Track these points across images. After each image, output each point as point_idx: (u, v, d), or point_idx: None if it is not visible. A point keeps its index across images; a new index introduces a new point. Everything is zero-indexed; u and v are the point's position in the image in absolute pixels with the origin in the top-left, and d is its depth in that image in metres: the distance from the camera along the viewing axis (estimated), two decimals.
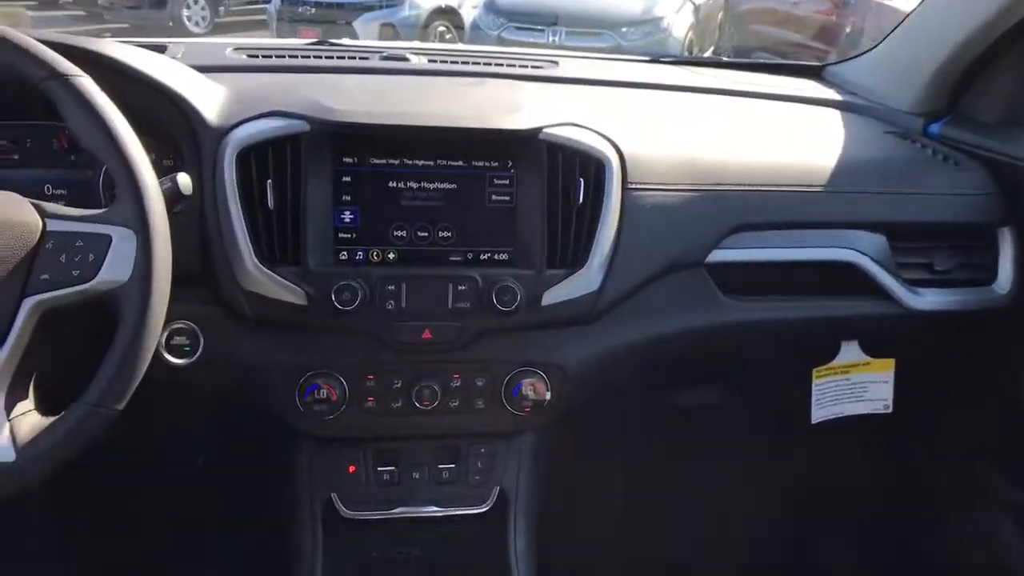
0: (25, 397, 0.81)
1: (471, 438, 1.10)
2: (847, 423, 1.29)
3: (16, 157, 1.07)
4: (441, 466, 1.09)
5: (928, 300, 1.16)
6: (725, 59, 1.68)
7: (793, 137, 1.30)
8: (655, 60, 1.68)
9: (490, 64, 1.44)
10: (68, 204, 1.07)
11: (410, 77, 1.35)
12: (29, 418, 0.80)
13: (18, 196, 0.83)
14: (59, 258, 0.80)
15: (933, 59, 1.32)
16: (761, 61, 1.71)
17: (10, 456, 0.77)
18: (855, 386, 1.25)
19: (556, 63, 1.49)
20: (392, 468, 1.09)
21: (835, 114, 1.42)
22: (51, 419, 0.79)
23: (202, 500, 1.57)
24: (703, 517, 1.60)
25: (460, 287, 0.99)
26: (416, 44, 1.52)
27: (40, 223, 0.81)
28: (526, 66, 1.46)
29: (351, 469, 1.08)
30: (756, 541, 1.60)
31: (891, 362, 1.26)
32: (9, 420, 0.78)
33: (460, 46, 1.57)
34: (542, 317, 1.03)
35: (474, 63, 1.43)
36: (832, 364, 1.24)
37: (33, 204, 0.83)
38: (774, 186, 1.13)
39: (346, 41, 1.55)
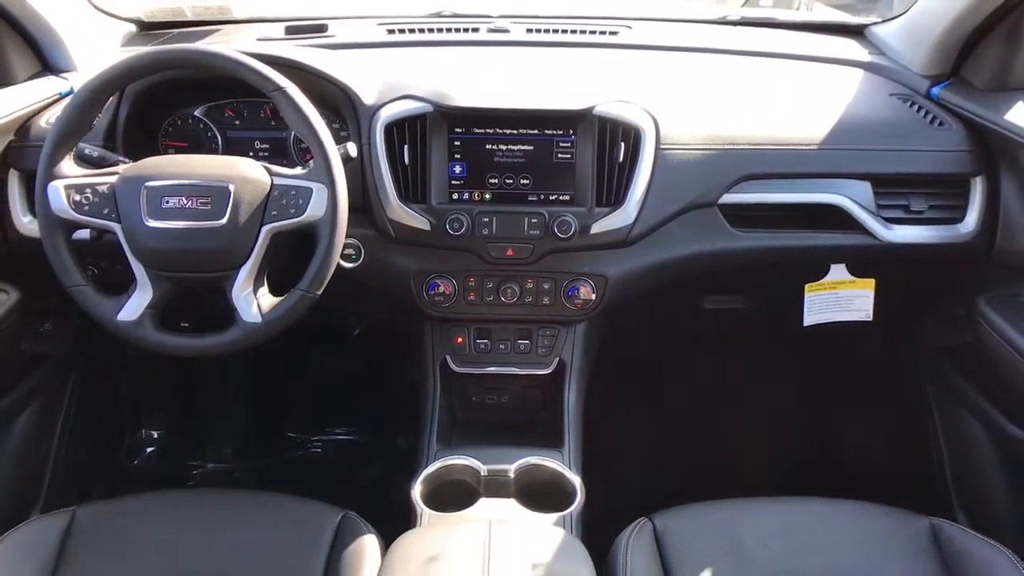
0: (263, 285, 1.25)
1: (540, 323, 1.53)
2: (840, 328, 1.64)
3: (237, 123, 1.56)
4: (519, 341, 1.53)
5: (900, 234, 1.46)
6: (779, 20, 1.95)
7: (804, 99, 1.60)
8: (720, 21, 1.98)
9: (576, 32, 1.82)
10: (270, 155, 1.58)
11: (509, 49, 1.75)
12: (266, 298, 1.24)
13: (257, 162, 1.27)
14: (281, 201, 1.21)
15: (941, 25, 1.51)
16: (810, 21, 1.95)
17: (258, 319, 1.23)
18: (842, 299, 1.59)
19: (630, 27, 1.84)
20: (486, 341, 1.51)
21: (855, 75, 1.69)
22: (279, 299, 1.26)
23: (359, 363, 2.19)
24: (725, 396, 2.03)
25: (532, 220, 1.41)
26: (516, 12, 1.91)
27: (269, 179, 1.22)
28: (604, 32, 1.82)
29: (459, 340, 1.51)
30: (771, 419, 2.02)
31: (872, 281, 1.58)
32: (256, 299, 1.24)
33: (551, 13, 1.96)
34: (591, 242, 1.42)
35: (562, 31, 1.82)
36: (822, 281, 1.59)
37: (264, 167, 1.28)
38: (775, 145, 1.46)
39: (460, 9, 1.96)
